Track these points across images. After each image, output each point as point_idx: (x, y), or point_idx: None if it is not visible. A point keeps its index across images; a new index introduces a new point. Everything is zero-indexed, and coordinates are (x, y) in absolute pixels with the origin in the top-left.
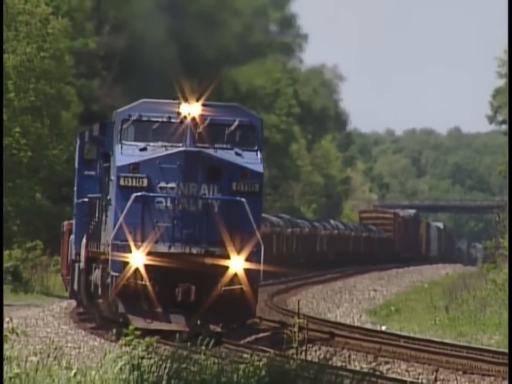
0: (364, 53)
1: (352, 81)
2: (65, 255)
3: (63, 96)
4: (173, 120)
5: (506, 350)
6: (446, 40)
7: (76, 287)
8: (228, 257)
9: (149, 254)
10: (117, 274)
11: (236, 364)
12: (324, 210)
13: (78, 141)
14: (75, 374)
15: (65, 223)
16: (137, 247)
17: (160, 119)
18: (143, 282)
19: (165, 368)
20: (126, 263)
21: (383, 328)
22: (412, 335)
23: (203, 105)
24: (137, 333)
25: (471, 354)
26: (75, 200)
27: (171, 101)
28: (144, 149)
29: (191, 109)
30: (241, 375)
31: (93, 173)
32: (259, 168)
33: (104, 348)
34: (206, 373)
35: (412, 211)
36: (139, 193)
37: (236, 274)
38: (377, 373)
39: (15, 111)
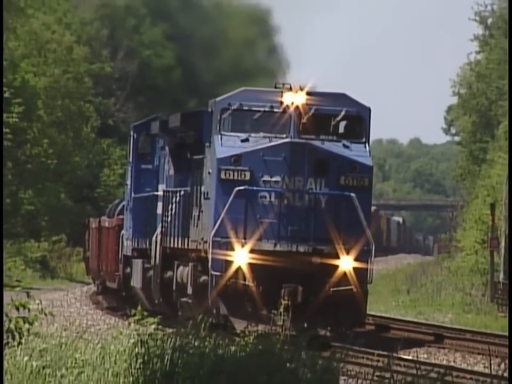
0: (337, 77)
1: None
2: (111, 251)
3: (83, 112)
4: (275, 110)
5: (459, 326)
6: (409, 64)
7: (137, 284)
8: (336, 256)
9: (252, 252)
10: (218, 273)
11: (230, 338)
12: None
13: (134, 134)
14: (96, 348)
15: (106, 219)
16: (241, 245)
17: (262, 109)
18: (246, 283)
19: (170, 342)
20: (228, 262)
21: None
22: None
23: (307, 93)
24: (145, 313)
25: (429, 329)
26: (131, 194)
27: (273, 89)
28: (246, 140)
29: (295, 98)
30: (235, 348)
31: (150, 166)
32: (368, 161)
33: (119, 325)
34: (205, 347)
35: (373, 207)
36: (242, 187)
37: (345, 274)
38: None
39: (44, 125)
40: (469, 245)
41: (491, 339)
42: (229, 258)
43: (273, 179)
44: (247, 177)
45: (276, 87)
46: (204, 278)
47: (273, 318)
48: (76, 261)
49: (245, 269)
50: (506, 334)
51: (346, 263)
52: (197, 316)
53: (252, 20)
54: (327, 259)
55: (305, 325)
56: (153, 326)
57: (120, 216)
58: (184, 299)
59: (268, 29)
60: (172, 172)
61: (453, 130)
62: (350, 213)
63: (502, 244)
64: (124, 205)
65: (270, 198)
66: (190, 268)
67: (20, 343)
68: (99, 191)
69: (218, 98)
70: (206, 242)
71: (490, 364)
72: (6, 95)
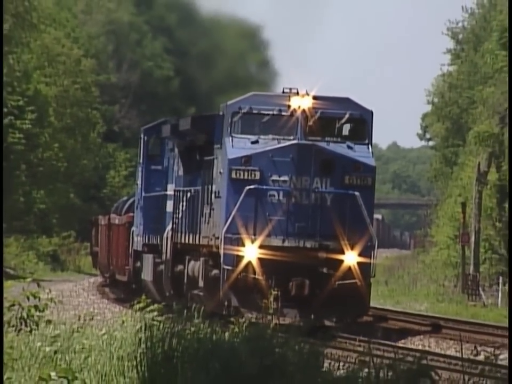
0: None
1: None
2: (122, 246)
3: (91, 119)
4: (283, 113)
5: (433, 314)
6: (388, 75)
7: (148, 277)
8: (341, 251)
9: (261, 247)
10: (229, 267)
11: (225, 325)
12: None
13: (144, 137)
14: (103, 334)
15: (116, 216)
16: (251, 241)
17: (270, 112)
18: (256, 276)
19: (169, 328)
20: (239, 257)
21: None
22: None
23: (313, 97)
24: (148, 301)
25: (406, 318)
26: (141, 193)
27: (281, 94)
28: (255, 142)
29: (302, 102)
30: (229, 334)
31: (159, 167)
32: (371, 161)
33: (123, 313)
34: (201, 333)
35: None
36: (252, 186)
37: (349, 269)
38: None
39: (55, 131)
40: (442, 240)
41: (462, 326)
42: (239, 253)
43: (282, 178)
44: (257, 177)
45: (283, 92)
46: (215, 271)
47: (283, 311)
48: (83, 255)
49: (255, 263)
50: (477, 321)
51: (350, 258)
52: (208, 307)
53: (244, 35)
54: (333, 254)
55: (312, 316)
56: (154, 313)
57: (130, 214)
58: (195, 291)
59: (259, 42)
60: (181, 172)
61: (428, 136)
62: (354, 211)
63: (472, 239)
64: (131, 203)
65: (279, 196)
66: (202, 262)
67: (32, 329)
68: (105, 191)
69: (229, 102)
70: (217, 238)
71: (462, 349)
72: (20, 103)
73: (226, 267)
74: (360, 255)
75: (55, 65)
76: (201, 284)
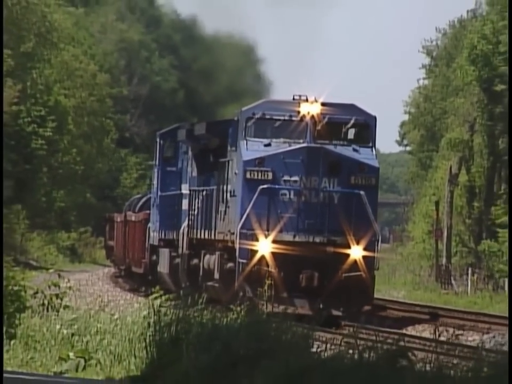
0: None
1: None
2: (138, 241)
3: (105, 127)
4: (293, 118)
5: (410, 301)
6: (367, 89)
7: (164, 269)
8: (348, 246)
9: (274, 242)
10: (244, 261)
11: (224, 311)
12: None
13: (160, 141)
14: (116, 319)
15: (132, 213)
16: (264, 236)
17: (282, 117)
18: (269, 269)
19: (176, 313)
20: (253, 251)
21: None
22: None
23: (322, 104)
24: (161, 292)
25: (386, 304)
26: (157, 192)
27: (291, 100)
28: (268, 145)
29: (311, 108)
30: (228, 319)
31: (174, 168)
32: (375, 163)
33: (134, 300)
34: (204, 318)
35: None
36: (265, 186)
37: (355, 262)
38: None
39: (73, 137)
40: (418, 235)
41: (436, 311)
42: (254, 248)
43: (292, 179)
44: (270, 177)
45: (293, 99)
46: (230, 265)
47: (294, 301)
48: (98, 248)
49: (268, 257)
50: (449, 307)
51: (356, 252)
52: (223, 298)
53: (242, 51)
54: (340, 248)
55: (321, 306)
56: (159, 301)
57: (146, 211)
58: (210, 283)
59: (256, 58)
60: (194, 173)
61: (405, 142)
62: (359, 209)
63: (445, 234)
64: (144, 201)
65: (290, 195)
66: (217, 256)
67: (53, 314)
68: (118, 191)
69: (243, 108)
70: (233, 234)
71: (435, 331)
72: (42, 113)
73: (241, 260)
74: (365, 249)
75: (73, 79)
76: (216, 276)
